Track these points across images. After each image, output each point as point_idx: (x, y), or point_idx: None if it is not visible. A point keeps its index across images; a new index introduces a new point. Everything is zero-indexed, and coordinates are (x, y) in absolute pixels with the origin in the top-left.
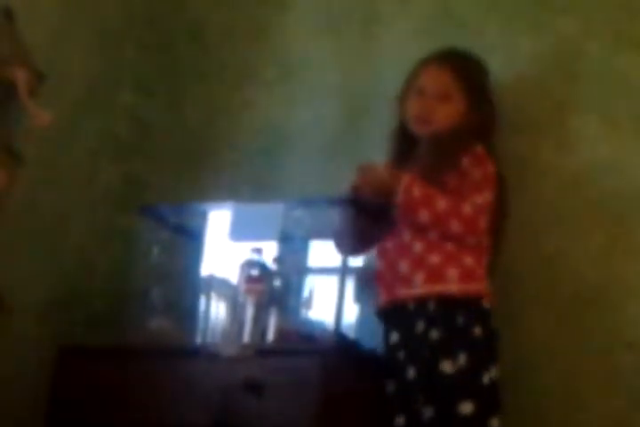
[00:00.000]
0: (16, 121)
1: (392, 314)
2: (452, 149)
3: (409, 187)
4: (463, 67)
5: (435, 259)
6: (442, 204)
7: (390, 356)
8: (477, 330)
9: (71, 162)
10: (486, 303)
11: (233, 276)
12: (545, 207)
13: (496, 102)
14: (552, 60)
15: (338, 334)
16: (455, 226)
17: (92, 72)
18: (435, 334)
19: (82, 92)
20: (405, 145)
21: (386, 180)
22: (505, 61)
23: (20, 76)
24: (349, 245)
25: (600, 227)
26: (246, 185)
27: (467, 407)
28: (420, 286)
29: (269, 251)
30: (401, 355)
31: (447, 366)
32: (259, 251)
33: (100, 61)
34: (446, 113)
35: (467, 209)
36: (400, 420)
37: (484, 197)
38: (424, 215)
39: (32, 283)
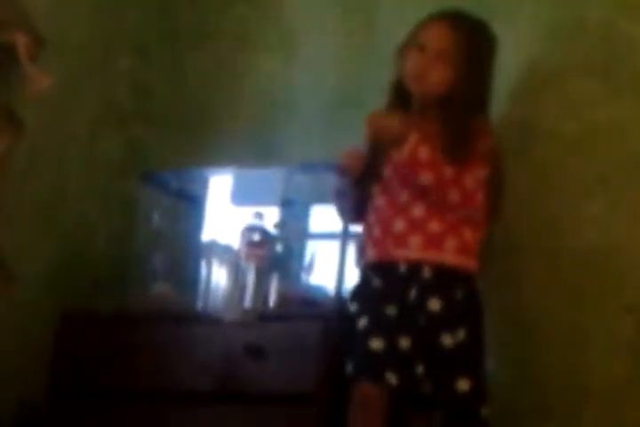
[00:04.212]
0: (16, 86)
1: (381, 270)
2: (464, 124)
3: (415, 147)
4: (469, 30)
5: (434, 226)
6: (446, 171)
7: (374, 304)
8: (474, 305)
9: (71, 128)
10: (477, 279)
11: (234, 241)
12: (547, 171)
13: (494, 72)
14: (552, 24)
15: (339, 298)
16: (454, 196)
17: (92, 37)
18: (434, 304)
19: (82, 57)
20: (401, 101)
21: (394, 132)
22: (506, 25)
23: (21, 41)
24: (350, 212)
25: (602, 191)
26: (248, 151)
27: (464, 384)
28: (415, 250)
29: (271, 216)
30: (389, 312)
31: (447, 340)
32: (260, 216)
33: (101, 26)
34: (443, 74)
35: (468, 181)
36: (392, 377)
37: (484, 172)
38: (426, 178)
39: (34, 250)
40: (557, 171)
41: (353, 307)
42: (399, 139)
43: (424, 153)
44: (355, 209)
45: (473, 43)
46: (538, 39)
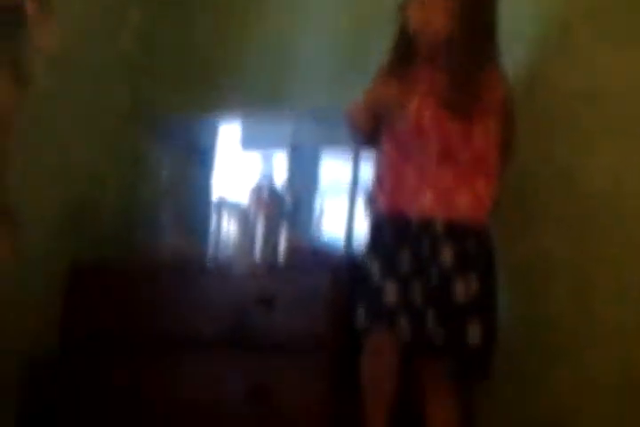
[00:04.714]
0: (25, 41)
1: (393, 223)
2: (468, 75)
3: (418, 112)
4: None
5: (446, 180)
6: (452, 130)
7: (387, 257)
8: (486, 256)
9: (80, 79)
10: (489, 232)
11: (244, 193)
12: (555, 121)
13: (497, 21)
14: None
15: (348, 249)
16: (464, 153)
17: None
18: (446, 256)
19: (91, 10)
20: (406, 50)
21: (394, 100)
22: None
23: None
24: (363, 139)
25: (612, 141)
26: (256, 100)
27: (476, 334)
28: (427, 205)
29: (280, 163)
30: (403, 261)
31: (460, 289)
32: (269, 173)
33: None
34: (446, 23)
35: (477, 137)
36: (403, 325)
37: (495, 126)
38: (434, 142)
39: (43, 199)
40: (566, 120)
41: (367, 259)
42: (400, 107)
43: (427, 117)
44: (367, 138)
45: None
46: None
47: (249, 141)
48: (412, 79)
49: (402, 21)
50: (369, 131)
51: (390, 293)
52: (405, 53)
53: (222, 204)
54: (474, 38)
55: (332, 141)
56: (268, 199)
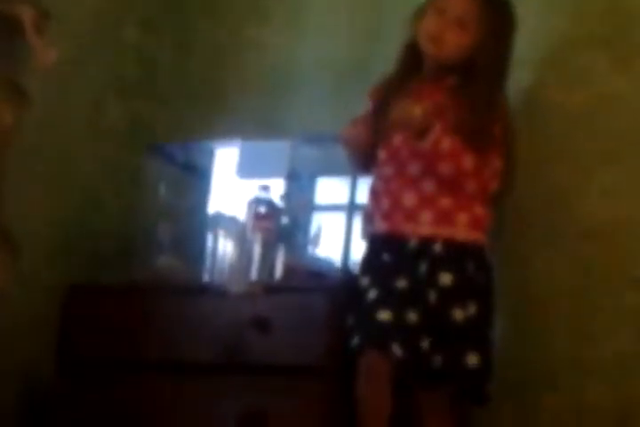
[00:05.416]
0: (22, 59)
1: (390, 244)
2: (490, 106)
3: (439, 138)
4: (493, 6)
5: (445, 202)
6: (467, 162)
7: (383, 277)
8: (484, 279)
9: (77, 101)
10: (488, 254)
11: (241, 213)
12: (553, 144)
13: (512, 48)
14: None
15: (345, 270)
16: (471, 186)
17: (100, 8)
18: (446, 279)
19: (87, 29)
20: (413, 63)
21: (418, 121)
22: None
23: (27, 14)
24: (359, 164)
25: (608, 163)
26: (254, 124)
27: (474, 358)
28: (427, 225)
29: (277, 188)
30: (399, 285)
31: (458, 314)
32: (266, 188)
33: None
34: (459, 40)
35: (487, 172)
36: (397, 348)
37: (502, 157)
38: (446, 169)
39: (40, 222)
40: (564, 144)
41: (363, 280)
42: (423, 129)
43: (447, 144)
44: (363, 162)
45: (495, 12)
46: (543, 11)
47: (246, 168)
48: (412, 95)
49: (413, 32)
50: (365, 152)
51: (384, 315)
52: (411, 67)
53: (218, 222)
54: (497, 66)
55: (331, 164)
56: (265, 216)
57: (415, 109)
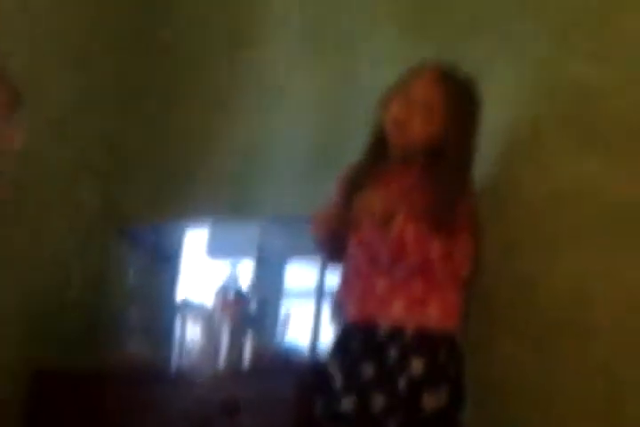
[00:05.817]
0: None
1: (361, 332)
2: (456, 192)
3: (403, 227)
4: (457, 85)
5: (417, 289)
6: (434, 249)
7: (350, 364)
8: (455, 368)
9: (48, 183)
10: (459, 341)
11: (209, 299)
12: (520, 232)
13: (478, 129)
14: (525, 86)
15: (313, 355)
16: (442, 272)
17: (68, 96)
18: (417, 366)
19: (57, 116)
20: (381, 149)
21: (379, 212)
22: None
23: None
24: (329, 255)
25: (575, 250)
26: (223, 206)
27: None
28: (398, 313)
29: (246, 269)
30: (365, 372)
31: (429, 402)
32: (234, 279)
33: (76, 86)
34: (426, 125)
35: (458, 256)
36: None
37: (472, 238)
38: (413, 257)
39: (5, 306)
40: (530, 231)
41: (331, 366)
42: (386, 219)
43: (411, 232)
44: (333, 251)
45: (462, 98)
46: (510, 101)
47: (215, 247)
48: (381, 180)
49: (379, 119)
50: (336, 240)
51: (348, 403)
52: (378, 153)
53: (187, 307)
54: (464, 154)
55: (299, 248)
56: (234, 301)
57: (376, 200)
